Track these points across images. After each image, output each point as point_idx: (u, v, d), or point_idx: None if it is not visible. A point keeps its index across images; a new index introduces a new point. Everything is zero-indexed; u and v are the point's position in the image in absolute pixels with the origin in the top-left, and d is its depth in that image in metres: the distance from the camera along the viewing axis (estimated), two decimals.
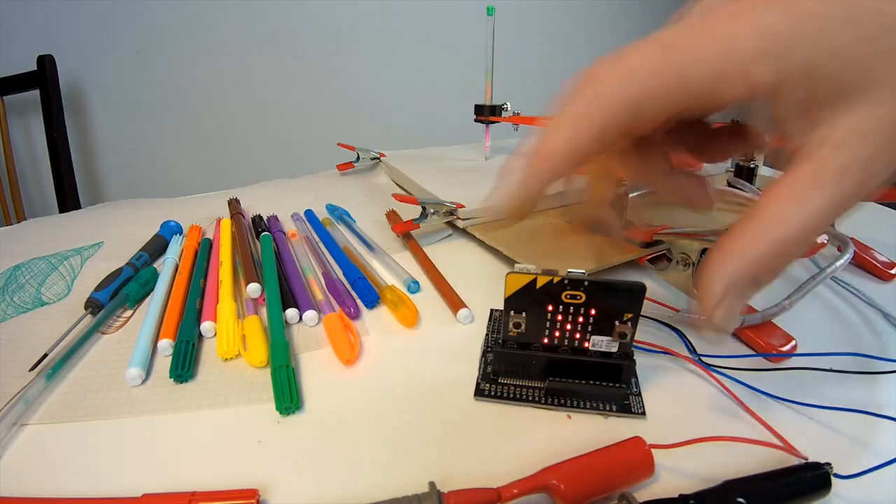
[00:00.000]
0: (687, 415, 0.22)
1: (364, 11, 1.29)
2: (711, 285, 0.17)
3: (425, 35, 1.39)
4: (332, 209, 0.45)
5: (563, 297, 0.21)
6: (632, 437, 0.19)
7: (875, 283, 0.33)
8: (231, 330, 0.27)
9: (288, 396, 0.22)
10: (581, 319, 0.22)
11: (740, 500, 0.16)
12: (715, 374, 0.23)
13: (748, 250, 0.16)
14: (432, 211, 0.39)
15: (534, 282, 0.21)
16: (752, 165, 0.41)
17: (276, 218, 0.43)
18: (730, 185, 0.41)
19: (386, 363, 0.26)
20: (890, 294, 0.31)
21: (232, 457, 0.20)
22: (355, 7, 1.28)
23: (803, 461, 0.18)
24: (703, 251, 0.29)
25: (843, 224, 0.37)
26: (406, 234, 0.39)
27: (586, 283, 0.21)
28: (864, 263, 0.34)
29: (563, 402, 0.22)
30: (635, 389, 0.23)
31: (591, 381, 0.23)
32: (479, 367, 0.25)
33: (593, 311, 0.21)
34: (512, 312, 0.22)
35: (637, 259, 0.32)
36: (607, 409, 0.22)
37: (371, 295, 0.31)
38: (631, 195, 0.40)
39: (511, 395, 0.23)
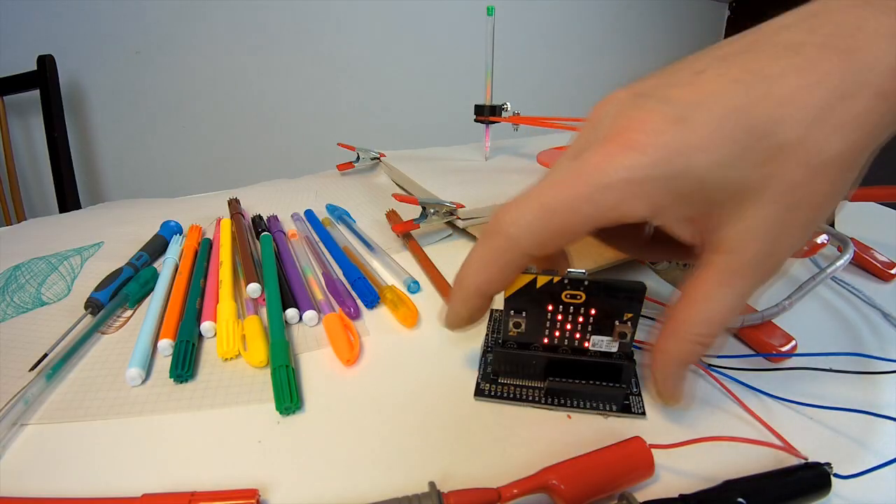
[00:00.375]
0: (687, 414, 0.22)
1: (364, 11, 1.29)
2: (659, 380, 0.20)
3: (425, 35, 1.39)
4: (332, 209, 0.45)
5: (563, 296, 0.21)
6: (632, 438, 0.19)
7: (875, 283, 0.33)
8: (231, 330, 0.27)
9: (288, 396, 0.22)
10: (581, 319, 0.22)
11: (740, 500, 0.16)
12: (714, 374, 0.23)
13: (675, 351, 0.19)
14: (432, 211, 0.39)
15: (534, 281, 0.21)
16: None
17: (276, 218, 0.43)
18: None
19: (386, 363, 0.26)
20: (890, 294, 0.31)
21: (232, 457, 0.20)
22: (356, 7, 1.28)
23: (803, 461, 0.18)
24: None
25: (844, 224, 0.37)
26: (406, 234, 0.39)
27: (586, 283, 0.21)
28: (864, 263, 0.34)
29: (563, 402, 0.22)
30: (635, 389, 0.23)
31: (592, 381, 0.22)
32: (479, 367, 0.25)
33: (593, 311, 0.21)
34: (512, 312, 0.22)
35: (637, 259, 0.32)
36: (607, 409, 0.22)
37: (371, 295, 0.31)
38: None
39: (511, 395, 0.23)
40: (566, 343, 0.23)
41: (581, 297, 0.21)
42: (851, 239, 0.35)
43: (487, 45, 0.52)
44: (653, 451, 0.18)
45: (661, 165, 0.16)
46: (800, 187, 0.16)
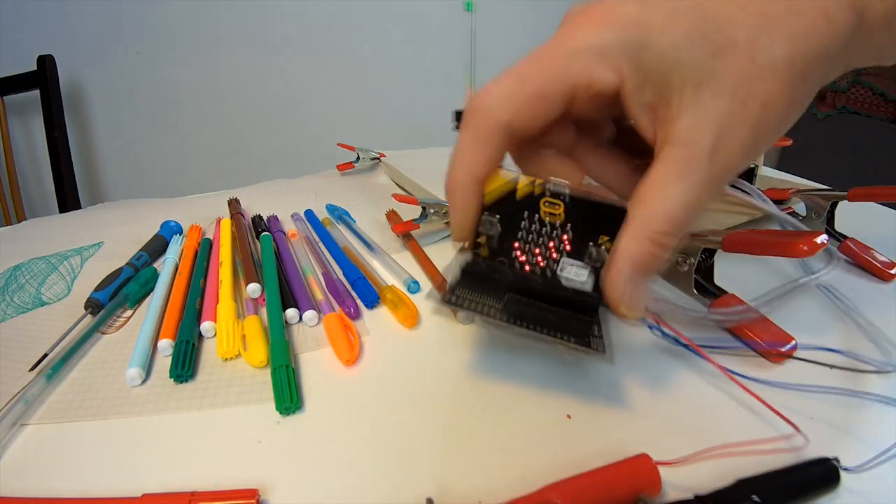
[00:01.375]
0: (687, 417, 0.22)
1: (364, 11, 1.29)
2: (610, 285, 0.19)
3: (426, 35, 1.39)
4: (332, 209, 0.45)
5: (541, 207, 0.20)
6: (638, 455, 0.18)
7: (875, 283, 0.33)
8: (231, 330, 0.27)
9: (288, 396, 0.22)
10: (555, 241, 0.21)
11: (754, 497, 0.16)
12: (710, 356, 0.23)
13: (630, 251, 0.19)
14: (432, 211, 0.39)
15: (514, 191, 0.20)
16: (752, 165, 0.41)
17: (276, 218, 0.43)
18: (729, 184, 0.41)
19: (386, 363, 0.26)
20: (890, 294, 0.31)
21: (232, 457, 0.20)
22: (356, 7, 1.28)
23: (814, 458, 0.18)
24: (703, 251, 0.29)
25: (844, 224, 0.37)
26: (406, 234, 0.39)
27: (567, 196, 0.20)
28: (864, 263, 0.34)
29: (521, 322, 0.21)
30: (597, 333, 0.22)
31: (555, 308, 0.21)
32: (451, 278, 0.23)
33: (570, 232, 0.20)
34: (486, 213, 0.21)
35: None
36: (566, 339, 0.21)
37: (371, 295, 0.31)
38: None
39: (473, 309, 0.21)
40: (539, 271, 0.21)
41: (559, 210, 0.20)
42: (851, 239, 0.35)
43: (472, 44, 0.51)
44: (659, 468, 0.18)
45: (624, 34, 0.18)
46: (748, 82, 0.17)
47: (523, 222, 0.21)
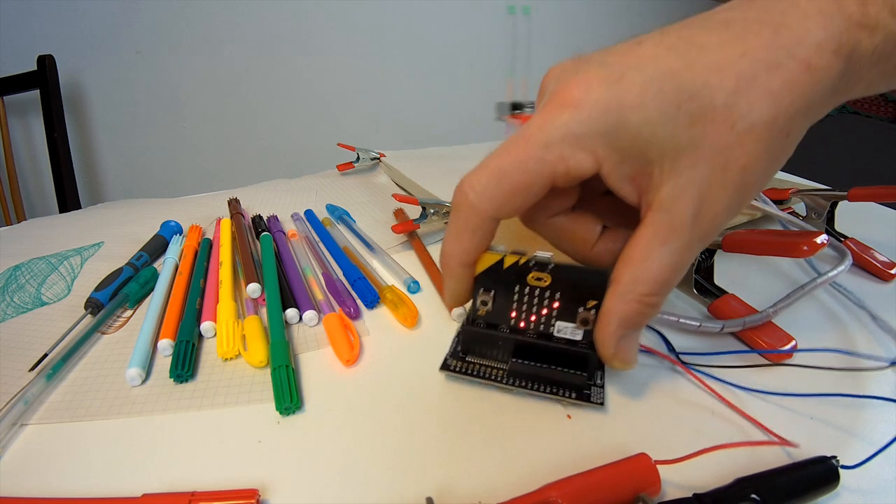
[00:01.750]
0: (685, 420, 0.22)
1: (364, 11, 1.29)
2: (602, 343, 0.20)
3: (425, 35, 1.39)
4: (332, 209, 0.45)
5: (529, 279, 0.22)
6: (638, 454, 0.18)
7: (875, 283, 0.33)
8: (231, 330, 0.27)
9: (288, 396, 0.22)
10: (546, 304, 0.22)
11: (754, 496, 0.16)
12: (696, 374, 0.24)
13: (617, 310, 0.19)
14: (432, 211, 0.39)
15: (501, 262, 0.22)
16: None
17: (276, 218, 0.43)
18: None
19: (386, 363, 0.26)
20: (890, 294, 0.31)
21: (232, 457, 0.20)
22: (356, 7, 1.28)
23: (814, 457, 0.18)
24: (703, 251, 0.29)
25: (844, 224, 0.37)
26: (411, 232, 0.39)
27: (551, 266, 0.21)
28: (864, 263, 0.34)
29: (524, 384, 0.23)
30: (599, 381, 0.23)
31: (555, 367, 0.23)
32: (451, 345, 0.25)
33: (558, 296, 0.22)
34: (481, 290, 0.23)
35: None
36: (567, 395, 0.22)
37: (371, 295, 0.31)
38: None
39: (476, 373, 0.23)
40: (532, 327, 0.23)
41: (546, 281, 0.21)
42: (851, 239, 0.35)
43: (517, 45, 0.51)
44: (658, 467, 0.18)
45: (597, 120, 0.18)
46: (727, 149, 0.17)
47: (515, 295, 0.22)
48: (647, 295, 0.19)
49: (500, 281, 0.22)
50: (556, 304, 0.22)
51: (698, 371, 0.24)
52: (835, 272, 0.27)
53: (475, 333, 0.24)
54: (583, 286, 0.21)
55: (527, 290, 0.22)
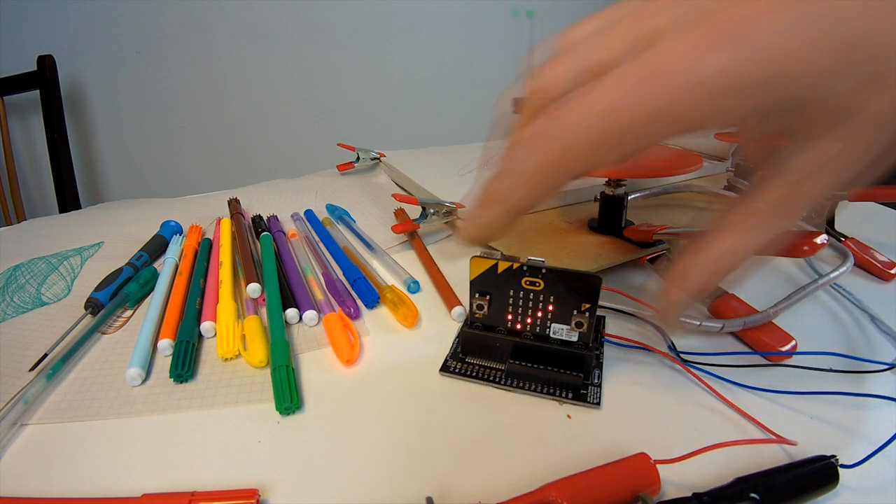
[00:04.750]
0: (687, 413, 0.22)
1: (364, 11, 1.29)
2: (665, 307, 0.19)
3: (425, 35, 1.39)
4: (332, 209, 0.45)
5: (522, 283, 0.22)
6: (637, 454, 0.18)
7: (875, 283, 0.33)
8: (231, 330, 0.27)
9: (288, 396, 0.22)
10: (541, 307, 0.22)
11: (753, 495, 0.16)
12: (695, 372, 0.24)
13: (692, 280, 0.17)
14: (432, 211, 0.39)
15: (495, 266, 0.22)
16: (752, 165, 0.41)
17: (276, 218, 0.43)
18: (729, 183, 0.41)
19: (386, 363, 0.26)
20: (890, 294, 0.31)
21: (232, 457, 0.20)
22: (356, 7, 1.28)
23: (813, 456, 0.18)
24: None
25: (844, 224, 0.37)
26: (411, 232, 0.39)
27: (544, 271, 0.21)
28: (864, 263, 0.34)
29: (521, 384, 0.23)
30: (596, 381, 0.23)
31: (550, 367, 0.23)
32: (451, 346, 0.26)
33: (552, 299, 0.22)
34: (476, 295, 0.23)
35: (637, 259, 0.32)
36: (563, 395, 0.22)
37: (371, 295, 0.31)
38: (631, 196, 0.40)
39: (474, 374, 0.24)
40: (529, 329, 0.23)
41: (540, 285, 0.22)
42: (851, 239, 0.35)
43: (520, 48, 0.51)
44: (658, 466, 0.18)
45: (764, 64, 0.13)
46: (887, 125, 0.14)
47: (511, 298, 0.23)
48: (726, 270, 0.17)
49: (496, 285, 0.22)
50: (550, 308, 0.22)
51: (697, 369, 0.24)
52: (836, 273, 0.27)
53: (474, 336, 0.24)
54: (576, 289, 0.21)
55: (521, 293, 0.22)
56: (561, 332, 0.23)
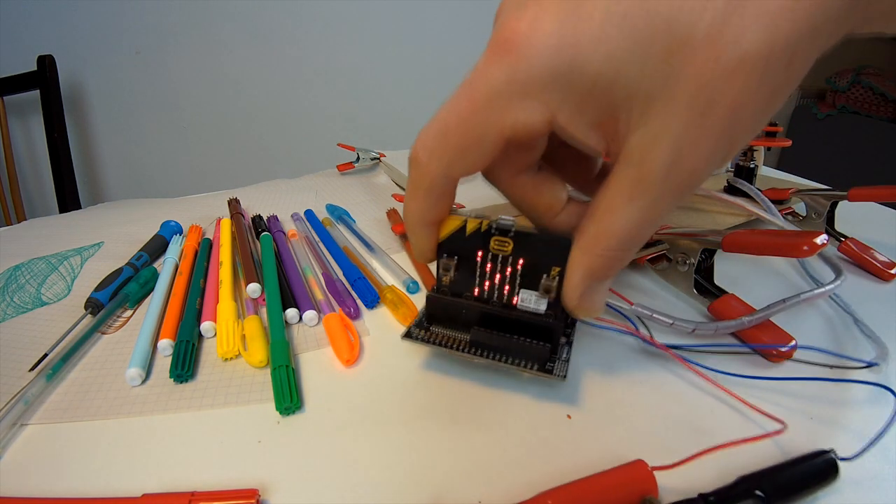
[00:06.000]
0: (683, 420, 0.22)
1: (364, 11, 1.29)
2: (566, 294, 0.19)
3: (425, 35, 1.39)
4: (332, 209, 0.45)
5: (491, 243, 0.21)
6: (634, 461, 0.18)
7: (875, 283, 0.33)
8: (231, 330, 0.27)
9: (288, 396, 0.22)
10: (510, 271, 0.21)
11: (758, 492, 0.17)
12: (690, 364, 0.24)
13: (582, 263, 0.18)
14: None
15: (463, 227, 0.21)
16: (751, 165, 0.41)
17: (276, 218, 0.43)
18: (729, 184, 0.41)
19: (386, 363, 0.26)
20: (890, 294, 0.31)
21: (232, 457, 0.20)
22: (355, 7, 1.28)
23: (812, 451, 0.19)
24: (703, 251, 0.29)
25: (844, 224, 0.37)
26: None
27: (513, 232, 0.21)
28: (864, 263, 0.34)
29: (487, 354, 0.22)
30: (564, 356, 0.22)
31: (517, 337, 0.22)
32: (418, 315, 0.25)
33: (521, 263, 0.21)
34: (444, 256, 0.22)
35: (637, 259, 0.32)
36: (528, 366, 0.22)
37: (371, 295, 0.31)
38: None
39: (437, 342, 0.23)
40: (496, 296, 0.22)
41: (508, 246, 0.21)
42: (851, 239, 0.35)
43: None
44: (655, 473, 0.18)
45: (548, 61, 0.15)
46: (710, 87, 0.14)
47: (478, 260, 0.22)
48: (614, 250, 0.18)
49: (463, 247, 0.22)
50: (519, 270, 0.21)
51: (692, 362, 0.24)
52: (821, 290, 0.27)
53: (440, 301, 0.23)
54: (545, 253, 0.20)
55: (490, 257, 0.21)
56: (529, 300, 0.22)
